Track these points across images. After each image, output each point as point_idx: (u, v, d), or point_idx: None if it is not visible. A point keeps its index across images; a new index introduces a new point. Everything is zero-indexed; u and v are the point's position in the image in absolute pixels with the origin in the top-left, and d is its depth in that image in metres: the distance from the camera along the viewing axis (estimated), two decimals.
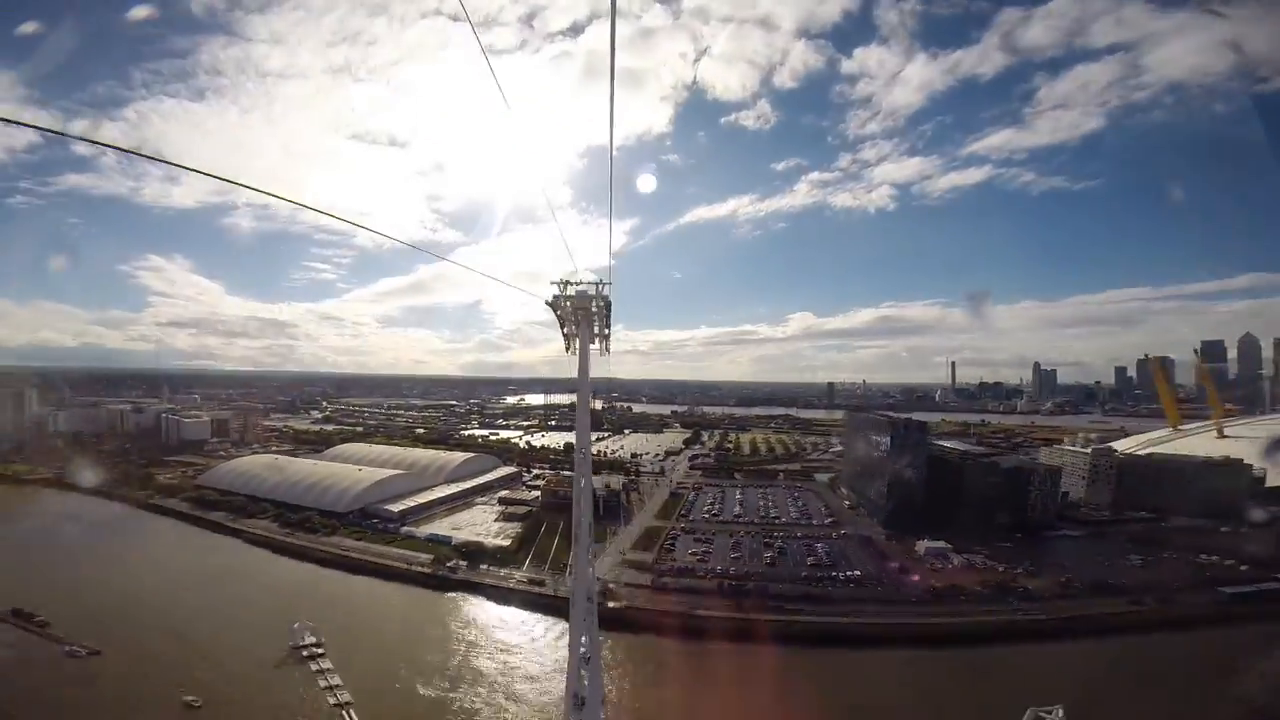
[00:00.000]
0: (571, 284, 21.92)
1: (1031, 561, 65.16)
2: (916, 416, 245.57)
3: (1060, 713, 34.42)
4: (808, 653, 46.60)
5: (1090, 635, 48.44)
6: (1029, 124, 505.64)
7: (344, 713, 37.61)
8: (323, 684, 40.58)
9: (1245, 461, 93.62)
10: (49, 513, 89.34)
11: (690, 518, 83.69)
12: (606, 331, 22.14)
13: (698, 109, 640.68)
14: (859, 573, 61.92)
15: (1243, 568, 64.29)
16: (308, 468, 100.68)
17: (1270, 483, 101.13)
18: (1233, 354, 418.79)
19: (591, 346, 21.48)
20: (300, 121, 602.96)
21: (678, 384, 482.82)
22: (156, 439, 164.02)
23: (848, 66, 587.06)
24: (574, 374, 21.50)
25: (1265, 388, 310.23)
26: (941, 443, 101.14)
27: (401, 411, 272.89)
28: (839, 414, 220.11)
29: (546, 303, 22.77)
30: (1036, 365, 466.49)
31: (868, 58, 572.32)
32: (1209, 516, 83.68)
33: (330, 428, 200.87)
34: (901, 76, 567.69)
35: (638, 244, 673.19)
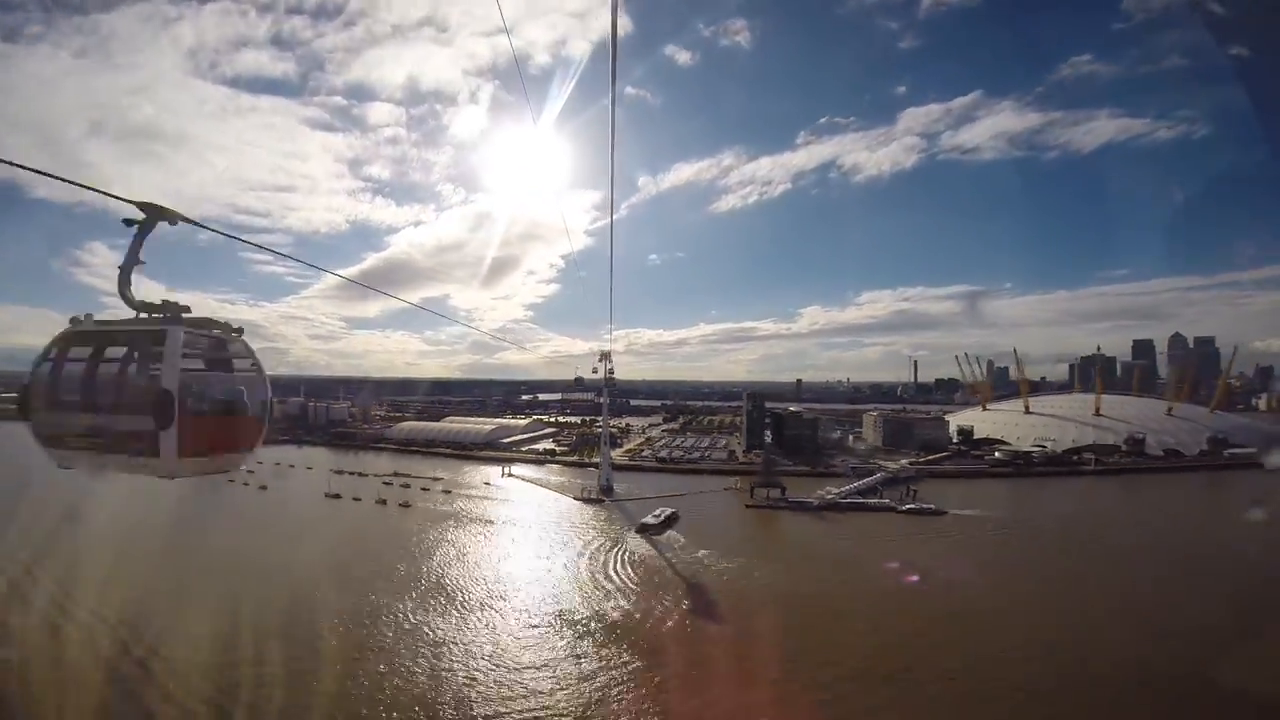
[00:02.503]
0: (603, 353, 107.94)
1: (798, 459, 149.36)
2: (878, 404, 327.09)
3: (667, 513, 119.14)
4: (680, 474, 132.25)
5: (785, 475, 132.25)
6: (1110, 48, 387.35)
7: (535, 488, 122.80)
8: (523, 482, 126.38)
9: (945, 418, 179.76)
10: (328, 456, 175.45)
11: (652, 445, 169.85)
12: (611, 367, 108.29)
13: (668, 14, 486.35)
14: (719, 458, 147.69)
15: (890, 463, 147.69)
16: (444, 426, 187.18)
17: (977, 434, 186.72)
18: (1162, 351, 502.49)
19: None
20: (152, 62, 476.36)
21: (673, 383, 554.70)
22: (306, 420, 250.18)
23: None
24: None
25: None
26: (789, 407, 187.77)
27: (444, 406, 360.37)
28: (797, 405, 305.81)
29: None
30: (990, 363, 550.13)
31: None
32: (923, 449, 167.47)
33: (406, 414, 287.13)
34: None
35: (607, 220, 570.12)
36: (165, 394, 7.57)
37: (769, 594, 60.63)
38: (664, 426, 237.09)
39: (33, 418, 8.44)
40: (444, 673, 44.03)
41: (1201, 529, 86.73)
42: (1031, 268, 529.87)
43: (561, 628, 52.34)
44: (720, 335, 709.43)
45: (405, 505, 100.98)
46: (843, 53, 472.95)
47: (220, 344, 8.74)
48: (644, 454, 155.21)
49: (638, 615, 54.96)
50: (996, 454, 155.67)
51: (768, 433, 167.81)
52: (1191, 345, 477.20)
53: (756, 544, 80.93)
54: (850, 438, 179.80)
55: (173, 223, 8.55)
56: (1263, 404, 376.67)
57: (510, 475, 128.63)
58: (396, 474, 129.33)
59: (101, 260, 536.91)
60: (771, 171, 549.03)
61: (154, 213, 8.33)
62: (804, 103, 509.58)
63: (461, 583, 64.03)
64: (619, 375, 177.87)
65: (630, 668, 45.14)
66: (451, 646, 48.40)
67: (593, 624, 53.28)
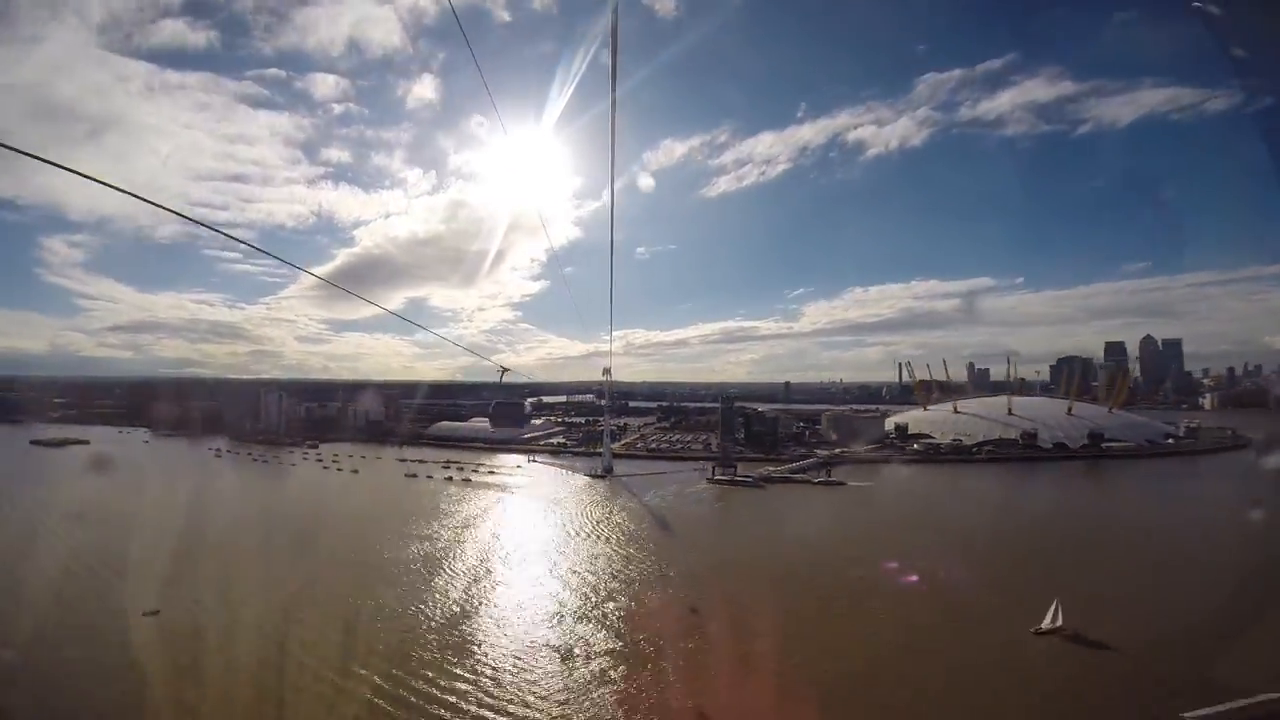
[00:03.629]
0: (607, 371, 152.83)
1: (759, 449, 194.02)
2: (860, 405, 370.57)
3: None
4: (666, 460, 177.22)
5: (746, 460, 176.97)
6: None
7: (555, 470, 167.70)
8: (545, 466, 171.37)
9: (889, 417, 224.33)
10: (379, 450, 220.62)
11: (645, 440, 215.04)
12: (610, 382, 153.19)
13: None
14: (698, 449, 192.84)
15: (825, 451, 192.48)
16: (472, 424, 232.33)
17: (911, 430, 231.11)
18: (1134, 352, 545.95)
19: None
20: (62, 35, 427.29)
21: (671, 385, 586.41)
22: (344, 422, 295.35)
23: None
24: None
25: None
26: (758, 407, 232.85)
27: (459, 408, 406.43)
28: (781, 406, 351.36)
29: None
30: (971, 365, 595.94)
31: None
32: (869, 443, 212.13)
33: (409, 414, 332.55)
34: None
35: (594, 206, 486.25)
36: None
37: (698, 511, 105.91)
38: (657, 425, 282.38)
39: None
40: (521, 541, 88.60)
41: (984, 497, 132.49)
42: (1047, 261, 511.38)
43: (572, 534, 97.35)
44: (720, 335, 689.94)
45: (467, 480, 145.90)
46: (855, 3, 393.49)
47: None
48: (638, 446, 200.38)
49: (616, 528, 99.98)
50: (915, 446, 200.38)
51: (742, 430, 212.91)
52: (1161, 347, 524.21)
53: (707, 496, 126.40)
54: (808, 433, 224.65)
55: None
56: (1208, 403, 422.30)
57: (534, 461, 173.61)
58: (449, 461, 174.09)
59: (62, 259, 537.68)
60: (772, 148, 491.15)
61: None
62: (810, 65, 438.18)
63: (521, 515, 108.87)
64: (618, 376, 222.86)
65: (603, 545, 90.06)
66: (519, 534, 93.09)
67: (587, 530, 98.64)
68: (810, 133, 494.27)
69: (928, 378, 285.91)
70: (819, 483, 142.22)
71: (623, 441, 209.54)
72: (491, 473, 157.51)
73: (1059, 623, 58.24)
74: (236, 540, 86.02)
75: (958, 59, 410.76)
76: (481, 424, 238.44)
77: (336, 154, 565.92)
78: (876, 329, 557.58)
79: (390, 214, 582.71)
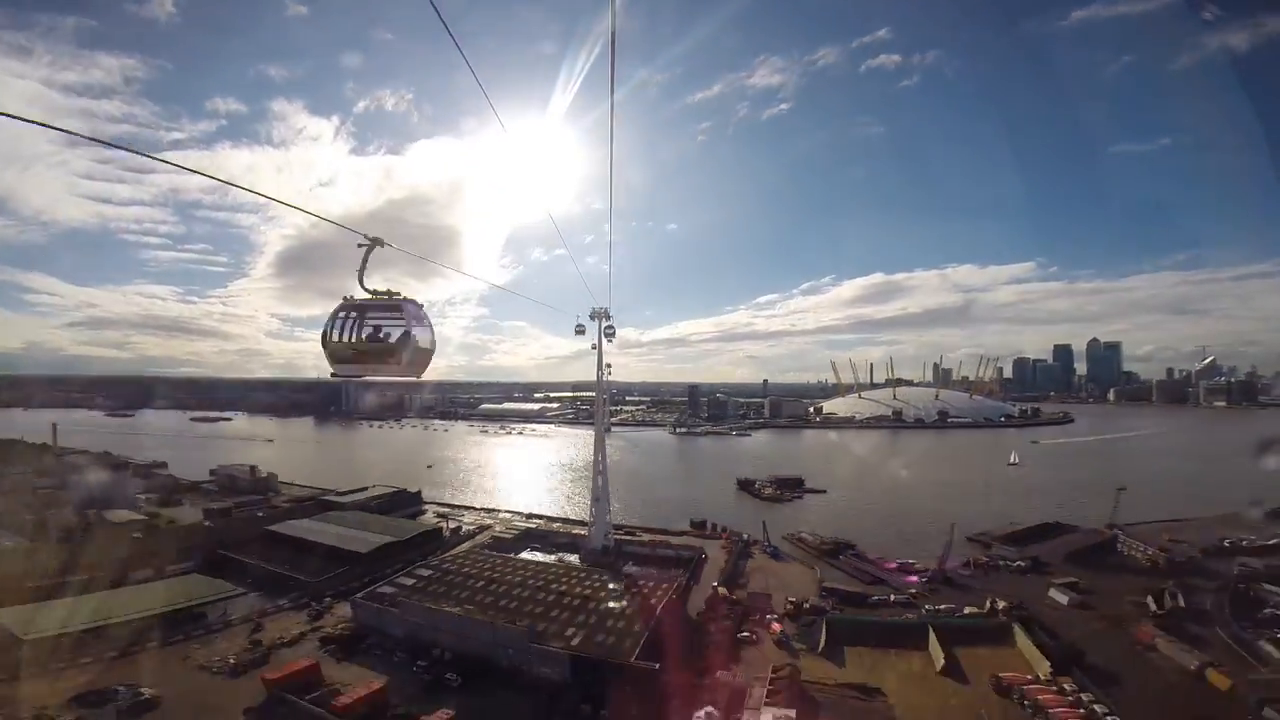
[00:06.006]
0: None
1: (709, 420, 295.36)
2: (817, 400, 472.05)
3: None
4: (647, 426, 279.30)
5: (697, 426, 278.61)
6: None
7: (572, 429, 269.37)
8: (565, 428, 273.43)
9: (817, 402, 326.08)
10: (442, 422, 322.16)
11: (635, 417, 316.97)
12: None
13: None
14: (670, 420, 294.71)
15: (751, 420, 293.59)
16: (507, 406, 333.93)
17: (826, 411, 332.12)
18: (1080, 349, 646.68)
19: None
20: None
21: (666, 385, 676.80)
22: (402, 405, 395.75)
23: None
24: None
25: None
26: (718, 394, 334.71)
27: (480, 400, 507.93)
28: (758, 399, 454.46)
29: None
30: (936, 366, 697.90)
31: None
32: (789, 418, 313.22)
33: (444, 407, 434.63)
34: None
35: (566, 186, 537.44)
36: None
37: (657, 444, 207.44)
38: (646, 409, 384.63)
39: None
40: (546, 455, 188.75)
41: (828, 443, 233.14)
42: (1088, 248, 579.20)
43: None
44: (717, 333, 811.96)
45: (520, 433, 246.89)
46: None
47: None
48: (628, 420, 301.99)
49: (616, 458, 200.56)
50: (817, 419, 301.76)
51: (705, 409, 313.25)
52: (1104, 350, 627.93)
53: (667, 440, 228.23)
54: (751, 412, 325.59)
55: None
56: (1112, 397, 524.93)
57: (558, 427, 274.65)
58: (503, 426, 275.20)
59: None
60: (773, 77, 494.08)
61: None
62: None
63: (553, 448, 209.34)
64: (617, 377, 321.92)
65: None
66: (557, 457, 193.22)
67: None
68: (830, 57, 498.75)
69: (851, 379, 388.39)
70: (735, 434, 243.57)
71: (618, 418, 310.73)
72: (534, 430, 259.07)
73: (1018, 461, 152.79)
74: (442, 450, 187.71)
75: None
76: (514, 406, 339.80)
77: (222, 104, 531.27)
78: (888, 326, 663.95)
79: (324, 183, 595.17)
